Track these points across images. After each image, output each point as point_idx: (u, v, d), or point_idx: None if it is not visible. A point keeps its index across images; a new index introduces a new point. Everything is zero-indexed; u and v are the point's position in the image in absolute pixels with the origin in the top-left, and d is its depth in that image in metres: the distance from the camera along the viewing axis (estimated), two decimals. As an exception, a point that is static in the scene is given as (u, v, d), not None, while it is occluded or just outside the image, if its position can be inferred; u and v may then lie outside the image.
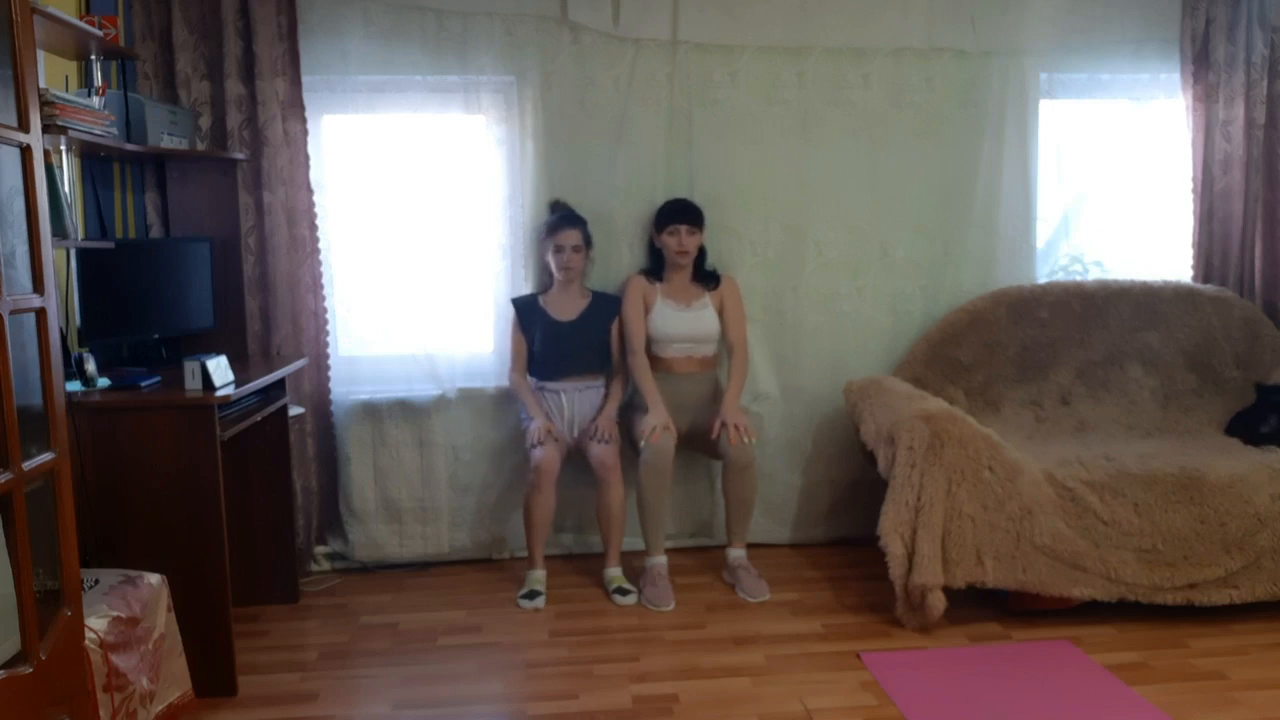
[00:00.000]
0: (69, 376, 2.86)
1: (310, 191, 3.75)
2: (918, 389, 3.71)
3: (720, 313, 3.86)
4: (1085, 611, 3.35)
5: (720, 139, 4.00)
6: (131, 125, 3.31)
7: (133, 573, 2.59)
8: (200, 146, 3.72)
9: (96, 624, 2.27)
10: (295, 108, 3.71)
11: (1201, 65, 4.17)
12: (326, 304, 3.83)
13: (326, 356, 3.86)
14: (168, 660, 2.59)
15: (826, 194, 4.08)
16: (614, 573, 3.70)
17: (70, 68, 3.17)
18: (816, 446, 4.18)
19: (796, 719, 2.75)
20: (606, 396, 3.85)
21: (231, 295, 3.73)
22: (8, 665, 1.70)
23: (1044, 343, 4.06)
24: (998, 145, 4.14)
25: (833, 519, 4.21)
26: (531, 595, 3.61)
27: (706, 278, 3.89)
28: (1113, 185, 4.34)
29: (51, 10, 2.60)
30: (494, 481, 4.04)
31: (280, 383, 3.49)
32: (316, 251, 3.79)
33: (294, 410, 3.66)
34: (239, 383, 3.01)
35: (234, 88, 3.67)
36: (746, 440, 3.63)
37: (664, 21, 3.92)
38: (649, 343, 3.82)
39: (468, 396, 3.99)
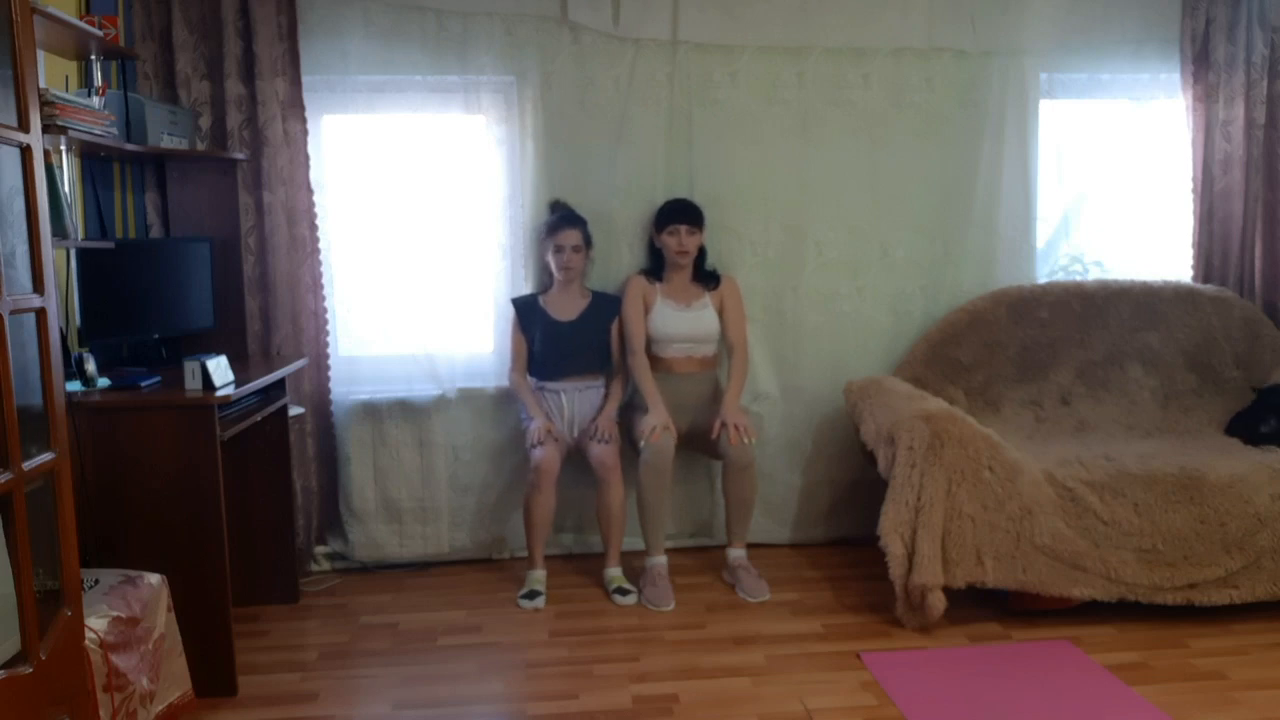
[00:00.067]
0: (69, 376, 2.86)
1: (310, 191, 3.76)
2: (918, 389, 3.71)
3: (720, 313, 3.86)
4: (1085, 611, 3.35)
5: (720, 139, 4.00)
6: (131, 125, 3.31)
7: (133, 573, 2.59)
8: (200, 146, 3.72)
9: (96, 624, 2.26)
10: (295, 108, 3.71)
11: (1201, 65, 4.17)
12: (326, 304, 3.83)
13: (326, 356, 3.86)
14: (168, 660, 2.59)
15: (826, 194, 4.08)
16: (614, 573, 3.70)
17: (70, 68, 3.17)
18: (816, 446, 4.18)
19: (796, 719, 2.75)
20: (606, 396, 3.85)
21: (231, 295, 3.73)
22: (8, 665, 1.70)
23: (1044, 343, 4.06)
24: (998, 145, 4.14)
25: (833, 519, 4.21)
26: (531, 595, 3.61)
27: (706, 278, 3.89)
28: (1113, 185, 4.34)
29: (51, 10, 2.60)
30: (494, 481, 4.04)
31: (280, 383, 3.49)
32: (316, 251, 3.79)
33: (294, 410, 3.66)
34: (239, 383, 3.01)
35: (234, 88, 3.67)
36: (746, 440, 3.63)
37: (664, 21, 3.92)
38: (649, 343, 3.82)
39: (468, 396, 3.99)
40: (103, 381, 2.95)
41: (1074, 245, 4.40)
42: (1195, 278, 4.25)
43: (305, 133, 3.72)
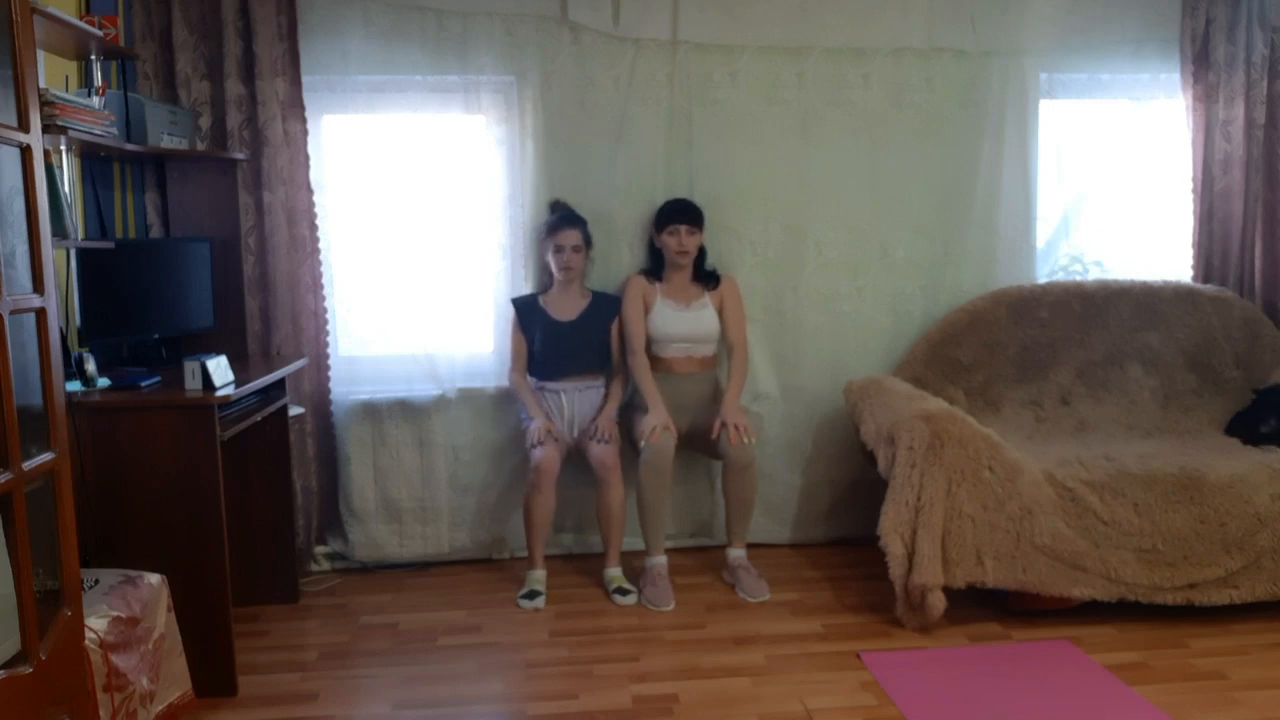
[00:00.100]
0: (69, 376, 2.86)
1: (310, 191, 3.75)
2: (918, 389, 3.71)
3: (720, 312, 3.86)
4: (1085, 611, 3.35)
5: (720, 139, 4.00)
6: (131, 125, 3.31)
7: (133, 573, 2.59)
8: (200, 146, 3.72)
9: (96, 624, 2.26)
10: (295, 108, 3.71)
11: (1201, 65, 4.17)
12: (326, 304, 3.83)
13: (326, 356, 3.86)
14: (168, 660, 2.59)
15: (826, 194, 4.08)
16: (614, 573, 3.70)
17: (70, 68, 3.17)
18: (816, 446, 4.18)
19: (796, 719, 2.75)
20: (606, 396, 3.85)
21: (231, 295, 3.73)
22: (8, 665, 1.70)
23: (1044, 343, 4.06)
24: (998, 145, 4.14)
25: (833, 519, 4.21)
26: (531, 595, 3.61)
27: (706, 278, 3.89)
28: (1113, 185, 4.34)
29: (51, 10, 2.60)
30: (494, 481, 4.04)
31: (280, 383, 3.49)
32: (316, 251, 3.79)
33: (294, 410, 3.66)
34: (239, 383, 3.01)
35: (234, 88, 3.67)
36: (746, 440, 3.63)
37: (664, 21, 3.92)
38: (649, 343, 3.82)
39: (468, 396, 3.99)
40: (103, 381, 2.95)
41: (1074, 245, 4.40)
42: (1195, 278, 4.25)
43: (305, 133, 3.72)
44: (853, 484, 4.14)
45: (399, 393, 3.94)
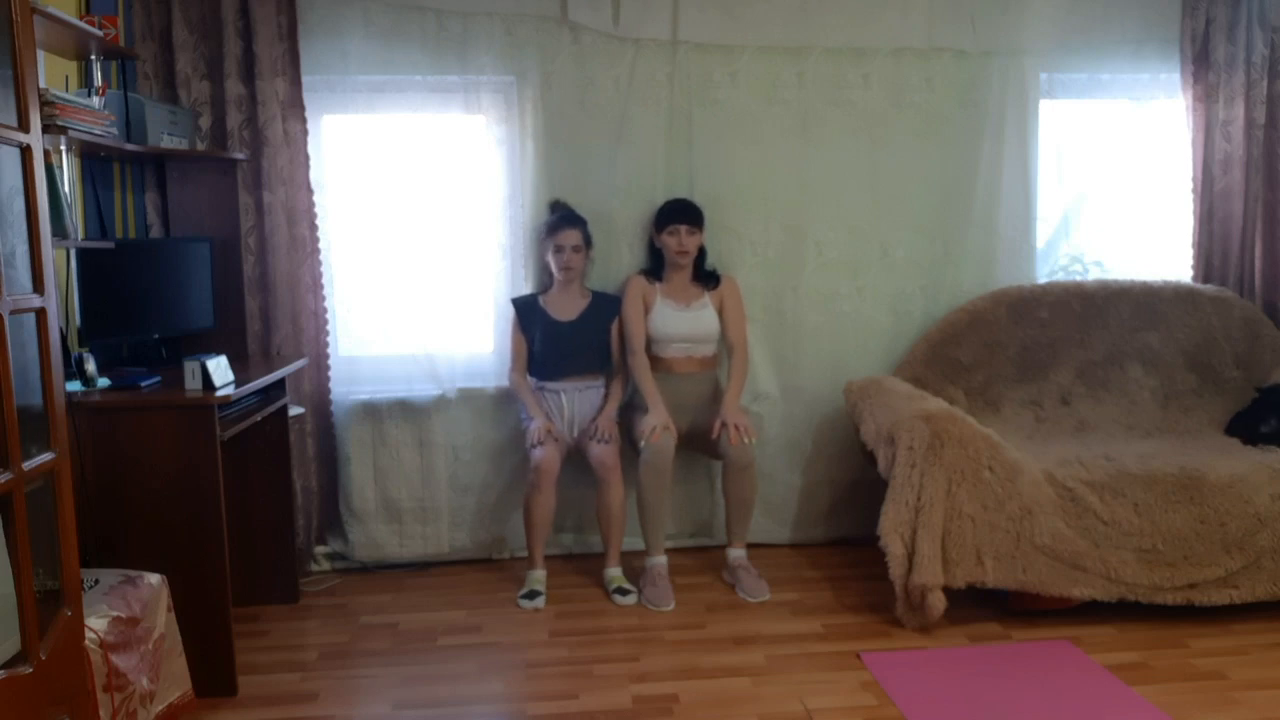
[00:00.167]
0: (69, 376, 2.86)
1: (310, 191, 3.76)
2: (918, 389, 3.71)
3: (720, 312, 3.86)
4: (1085, 611, 3.35)
5: (720, 139, 4.00)
6: (131, 125, 3.31)
7: (133, 573, 2.59)
8: (200, 146, 3.72)
9: (96, 624, 2.26)
10: (295, 108, 3.71)
11: (1201, 65, 4.17)
12: (326, 304, 3.83)
13: (326, 356, 3.86)
14: (168, 660, 2.59)
15: (826, 194, 4.08)
16: (614, 573, 3.70)
17: (70, 68, 3.17)
18: (816, 446, 4.18)
19: (796, 719, 2.75)
20: (606, 396, 3.85)
21: (231, 295, 3.73)
22: (8, 665, 1.70)
23: (1044, 343, 4.06)
24: (998, 145, 4.14)
25: (833, 519, 4.21)
26: (531, 595, 3.61)
27: (706, 278, 3.89)
28: (1113, 185, 4.34)
29: (51, 10, 2.60)
30: (494, 481, 4.04)
31: (280, 383, 3.49)
32: (316, 251, 3.79)
33: (294, 410, 3.66)
34: (239, 383, 3.01)
35: (234, 88, 3.67)
36: (746, 440, 3.63)
37: (664, 21, 3.92)
38: (649, 343, 3.82)
39: (468, 396, 3.99)
40: (103, 381, 2.95)
41: (1074, 245, 4.40)
42: (1195, 278, 4.25)
43: (305, 133, 3.72)
44: (853, 484, 4.14)
45: (399, 393, 3.94)
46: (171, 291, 3.46)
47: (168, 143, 3.43)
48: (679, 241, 3.77)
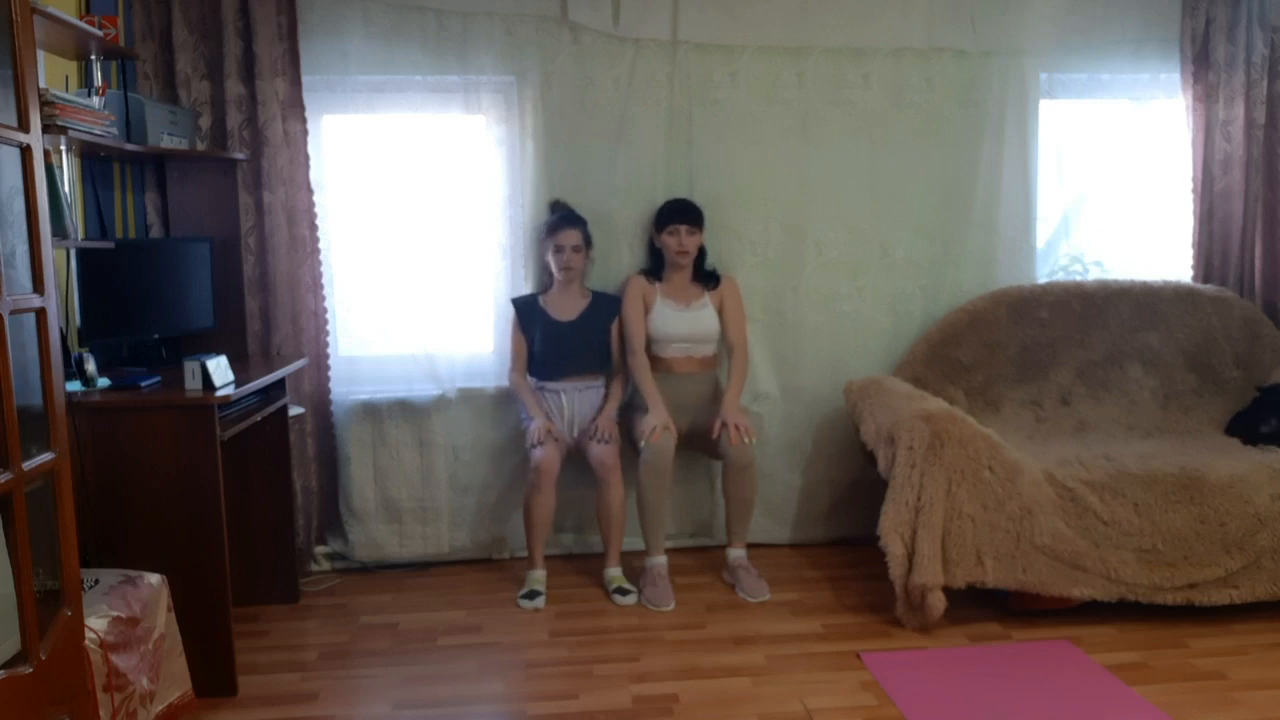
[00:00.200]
0: (69, 376, 2.86)
1: (310, 191, 3.76)
2: (918, 389, 3.71)
3: (720, 312, 3.86)
4: (1085, 611, 3.35)
5: (720, 139, 4.00)
6: (131, 125, 3.31)
7: (133, 573, 2.59)
8: (200, 146, 3.72)
9: (96, 624, 2.27)
10: (295, 108, 3.71)
11: (1201, 65, 4.17)
12: (326, 304, 3.83)
13: (326, 356, 3.86)
14: (168, 660, 2.59)
15: (826, 194, 4.08)
16: (614, 573, 3.70)
17: (70, 68, 3.17)
18: (816, 446, 4.18)
19: (796, 719, 2.75)
20: (606, 396, 3.85)
21: (231, 295, 3.73)
22: (8, 665, 1.70)
23: (1044, 343, 4.06)
24: (998, 145, 4.14)
25: (833, 519, 4.21)
26: (531, 595, 3.61)
27: (706, 278, 3.89)
28: (1113, 185, 4.34)
29: (51, 10, 2.60)
30: (494, 481, 4.04)
31: (280, 383, 3.49)
32: (316, 251, 3.79)
33: (294, 410, 3.66)
34: (239, 383, 3.01)
35: (234, 88, 3.67)
36: (747, 440, 3.63)
37: (664, 21, 3.92)
38: (649, 343, 3.82)
39: (468, 396, 3.99)
40: (103, 381, 2.95)
41: (1074, 245, 4.40)
42: (1195, 278, 4.25)
43: (305, 133, 3.72)
44: (853, 484, 4.14)
45: (399, 393, 3.94)
46: (171, 291, 3.46)
47: (168, 143, 3.43)
48: (679, 241, 3.77)
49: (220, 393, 2.83)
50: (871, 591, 3.62)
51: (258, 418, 3.24)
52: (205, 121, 3.72)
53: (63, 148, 2.93)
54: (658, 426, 3.61)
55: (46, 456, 1.87)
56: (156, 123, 3.37)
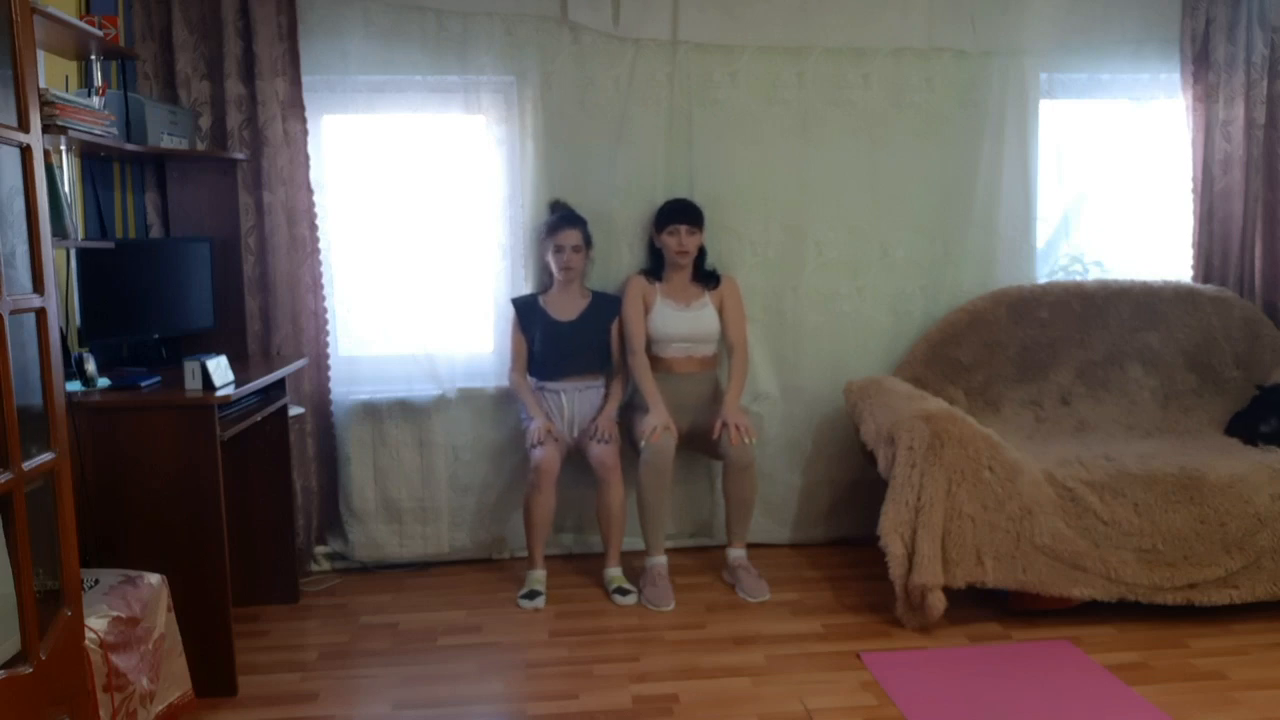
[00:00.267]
0: (69, 376, 2.86)
1: (310, 191, 3.76)
2: (918, 389, 3.71)
3: (720, 312, 3.86)
4: (1085, 611, 3.35)
5: (720, 139, 4.00)
6: (131, 125, 3.31)
7: (133, 573, 2.59)
8: (200, 146, 3.72)
9: (96, 624, 2.27)
10: (295, 108, 3.71)
11: (1201, 65, 4.17)
12: (326, 304, 3.83)
13: (326, 356, 3.86)
14: (168, 660, 2.59)
15: (826, 194, 4.08)
16: (614, 573, 3.70)
17: (70, 68, 3.17)
18: (816, 446, 4.18)
19: (796, 719, 2.75)
20: (606, 396, 3.85)
21: (231, 295, 3.73)
22: (8, 665, 1.70)
23: (1044, 343, 4.06)
24: (998, 145, 4.14)
25: (833, 519, 4.21)
26: (531, 595, 3.61)
27: (706, 278, 3.89)
28: (1113, 185, 4.34)
29: (51, 10, 2.60)
30: (494, 481, 4.04)
31: (280, 383, 3.49)
32: (316, 251, 3.79)
33: (294, 410, 3.66)
34: (239, 383, 3.01)
35: (234, 88, 3.67)
36: (747, 440, 3.63)
37: (664, 21, 3.92)
38: (649, 343, 3.82)
39: (468, 396, 3.99)
40: (103, 381, 2.95)
41: (1074, 245, 4.40)
42: (1195, 278, 4.25)
43: (305, 133, 3.72)
44: (853, 484, 4.14)
45: (399, 393, 3.94)
46: (171, 291, 3.46)
47: (168, 143, 3.43)
48: (679, 241, 3.78)
49: (220, 393, 2.83)
50: (871, 591, 3.62)
51: (258, 418, 3.24)
52: (205, 121, 3.72)
53: (63, 148, 2.93)
54: (658, 426, 3.61)
55: (46, 456, 1.87)
56: (156, 123, 3.37)
